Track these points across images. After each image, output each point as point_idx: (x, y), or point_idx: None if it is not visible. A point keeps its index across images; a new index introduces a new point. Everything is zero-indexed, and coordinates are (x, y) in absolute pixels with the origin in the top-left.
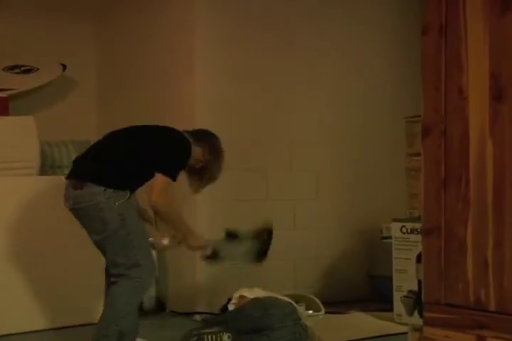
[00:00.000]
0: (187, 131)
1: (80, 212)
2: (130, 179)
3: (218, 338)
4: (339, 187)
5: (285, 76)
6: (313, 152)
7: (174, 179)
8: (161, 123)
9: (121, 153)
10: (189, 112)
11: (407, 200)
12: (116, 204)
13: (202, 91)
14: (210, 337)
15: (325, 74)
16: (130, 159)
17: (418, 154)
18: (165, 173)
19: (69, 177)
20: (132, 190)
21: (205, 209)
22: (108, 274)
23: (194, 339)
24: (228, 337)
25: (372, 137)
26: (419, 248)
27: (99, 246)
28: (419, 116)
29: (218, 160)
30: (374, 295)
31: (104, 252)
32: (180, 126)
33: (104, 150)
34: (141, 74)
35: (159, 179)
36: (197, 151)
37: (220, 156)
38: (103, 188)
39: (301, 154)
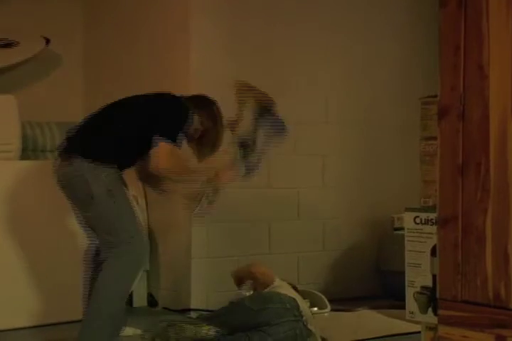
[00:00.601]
0: (183, 97)
1: (68, 188)
2: (121, 151)
3: (192, 331)
4: (347, 173)
5: (289, 52)
6: (319, 134)
7: (175, 140)
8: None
9: (111, 122)
10: (183, 90)
11: (421, 188)
12: (103, 175)
13: (197, 68)
14: (179, 327)
15: (331, 50)
16: (120, 128)
17: (434, 138)
18: (163, 135)
19: (58, 152)
20: (122, 166)
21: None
22: (93, 260)
23: (160, 329)
24: (208, 330)
25: (383, 119)
26: (434, 240)
27: (89, 224)
28: (435, 96)
29: (217, 126)
30: (384, 291)
31: (94, 230)
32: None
33: (93, 121)
34: (131, 49)
35: (161, 145)
36: (195, 120)
37: (219, 122)
38: (90, 160)
39: (305, 137)
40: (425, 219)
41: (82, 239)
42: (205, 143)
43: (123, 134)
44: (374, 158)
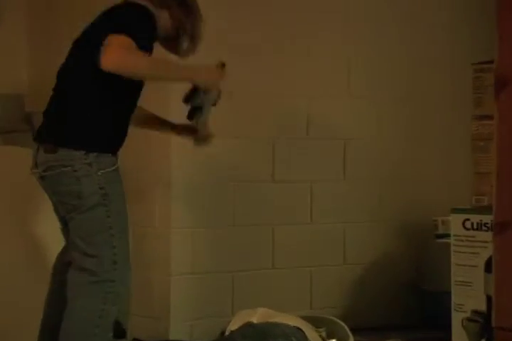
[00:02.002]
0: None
1: (50, 181)
2: (113, 127)
3: None
4: (375, 162)
5: (301, 3)
6: (339, 112)
7: (135, 39)
8: None
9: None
10: None
11: (473, 182)
12: (99, 173)
13: None
14: None
15: (358, 3)
16: (85, 95)
17: (489, 116)
18: (120, 31)
19: (38, 137)
20: (116, 148)
21: (185, 196)
22: (59, 272)
23: None
24: None
25: (422, 92)
26: (490, 251)
27: (68, 228)
28: (491, 62)
29: (192, 13)
30: (423, 317)
31: (69, 243)
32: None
33: (65, 91)
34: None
35: (109, 38)
36: (163, 16)
37: (193, 7)
38: (83, 152)
39: (321, 115)
40: (478, 224)
41: (50, 252)
42: (182, 40)
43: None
44: (410, 143)
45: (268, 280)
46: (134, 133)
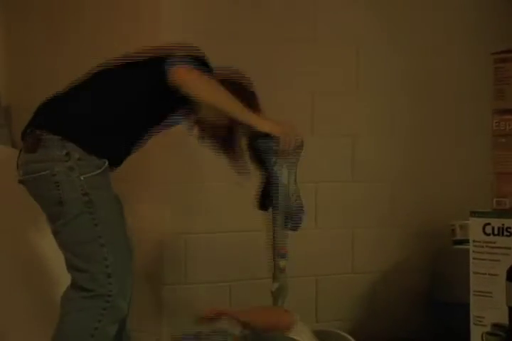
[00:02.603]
0: None
1: (30, 187)
2: (115, 134)
3: None
4: (387, 161)
5: None
6: (347, 107)
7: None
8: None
9: (101, 89)
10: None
11: (493, 183)
12: (82, 178)
13: (174, 11)
14: None
15: None
16: (115, 98)
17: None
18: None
19: (24, 132)
20: (113, 160)
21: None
22: None
23: None
24: None
25: (437, 84)
26: None
27: (58, 242)
28: None
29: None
30: (439, 331)
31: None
32: None
33: (75, 89)
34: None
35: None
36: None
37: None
38: (65, 151)
39: (327, 110)
40: (499, 228)
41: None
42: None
43: (114, 112)
44: (426, 139)
45: (269, 291)
46: None
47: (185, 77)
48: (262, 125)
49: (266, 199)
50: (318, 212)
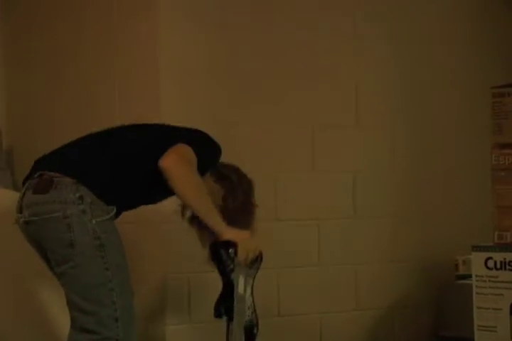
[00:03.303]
0: None
1: (38, 228)
2: (126, 187)
3: None
4: (388, 196)
5: (301, 22)
6: (348, 142)
7: (199, 157)
8: (109, 105)
9: (120, 144)
10: (151, 83)
11: (495, 217)
12: (94, 222)
13: (169, 51)
14: None
15: (366, 19)
16: (132, 153)
17: (511, 144)
18: (189, 144)
19: (29, 177)
20: (121, 209)
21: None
22: None
23: None
24: None
25: (438, 119)
26: None
27: (63, 283)
28: None
29: (250, 209)
30: None
31: (66, 295)
32: (142, 106)
33: (92, 141)
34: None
35: (178, 145)
36: (215, 189)
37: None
38: (79, 194)
39: (328, 146)
40: (501, 262)
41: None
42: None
43: (127, 168)
44: (426, 174)
45: (273, 330)
46: None
47: (170, 165)
48: (223, 232)
49: (221, 306)
50: (320, 248)
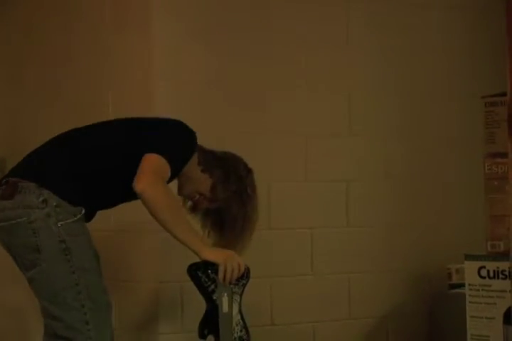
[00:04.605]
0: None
1: (5, 234)
2: (92, 187)
3: None
4: (381, 206)
5: (293, 34)
6: (341, 151)
7: (170, 161)
8: (103, 115)
9: (84, 145)
10: (144, 91)
11: (487, 226)
12: (59, 225)
13: (162, 53)
14: None
15: (357, 29)
16: (97, 153)
17: (503, 154)
18: (158, 151)
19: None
20: (90, 210)
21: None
22: None
23: None
24: None
25: (431, 128)
26: (509, 301)
27: (32, 288)
28: (504, 94)
29: (245, 199)
30: None
31: (38, 301)
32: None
33: (53, 144)
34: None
35: (148, 158)
36: (202, 178)
37: (250, 198)
38: (42, 198)
39: (320, 155)
40: (494, 271)
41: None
42: (224, 223)
43: (92, 168)
44: (419, 183)
45: (266, 339)
46: None
47: (144, 189)
48: (203, 253)
49: (205, 327)
50: (313, 258)
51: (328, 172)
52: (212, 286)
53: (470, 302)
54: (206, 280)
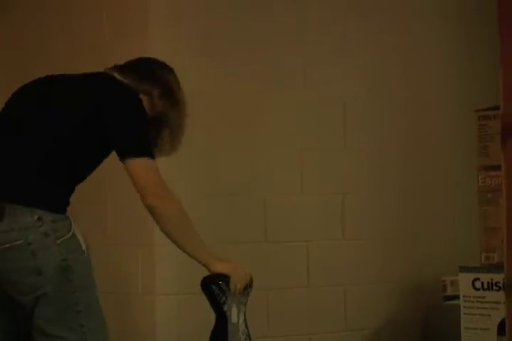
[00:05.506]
0: (116, 69)
1: None
2: (67, 182)
3: None
4: (376, 218)
5: (291, 48)
6: (336, 165)
7: (153, 155)
8: None
9: (44, 142)
10: None
11: (482, 238)
12: (58, 242)
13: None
14: None
15: (352, 45)
16: (65, 153)
17: (496, 167)
18: (136, 153)
19: None
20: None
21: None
22: None
23: None
24: None
25: (424, 142)
26: (502, 312)
27: (27, 311)
28: (497, 108)
29: (175, 104)
30: None
31: (30, 320)
32: None
33: (20, 146)
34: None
35: (136, 164)
36: (144, 103)
37: (178, 99)
38: (37, 216)
39: (317, 169)
40: (488, 283)
41: None
42: (163, 132)
43: (66, 168)
44: (413, 196)
45: None
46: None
47: (158, 205)
48: (213, 265)
49: (215, 338)
50: (310, 270)
51: (324, 186)
52: (224, 298)
53: (464, 313)
54: (218, 292)
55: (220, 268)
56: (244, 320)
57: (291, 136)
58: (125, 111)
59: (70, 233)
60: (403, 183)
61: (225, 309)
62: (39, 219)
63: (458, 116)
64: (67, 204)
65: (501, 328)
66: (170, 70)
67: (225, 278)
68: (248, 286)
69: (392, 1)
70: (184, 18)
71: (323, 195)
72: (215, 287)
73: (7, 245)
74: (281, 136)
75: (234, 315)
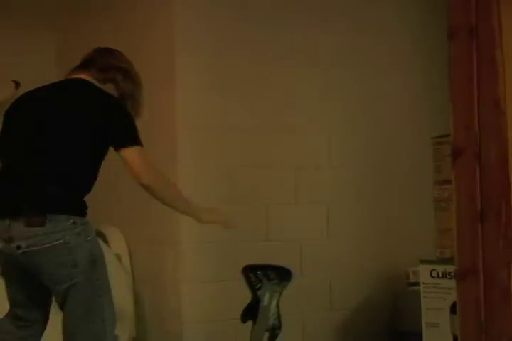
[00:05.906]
0: (80, 69)
1: (34, 257)
2: (88, 191)
3: None
4: (355, 222)
5: (286, 88)
6: (323, 180)
7: (141, 143)
8: None
9: (60, 156)
10: (169, 134)
11: (437, 238)
12: (87, 240)
13: (184, 108)
14: None
15: (334, 87)
16: (74, 157)
17: (448, 181)
18: (132, 143)
19: (8, 210)
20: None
21: (194, 253)
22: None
23: None
24: None
25: (392, 162)
26: (454, 296)
27: (61, 297)
28: (448, 135)
29: (136, 84)
30: None
31: (63, 303)
32: (159, 151)
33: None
34: None
35: (132, 152)
36: (110, 90)
37: (135, 79)
38: (72, 221)
39: (307, 183)
40: (443, 273)
41: None
42: (128, 107)
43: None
44: (384, 205)
45: None
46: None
47: (150, 182)
48: (202, 218)
49: (247, 314)
50: (302, 263)
51: (313, 197)
52: (259, 285)
53: (424, 297)
54: (254, 279)
55: (206, 218)
56: (277, 305)
57: (287, 158)
58: (118, 112)
59: (94, 232)
60: (376, 195)
61: (259, 293)
62: (73, 223)
63: (416, 143)
64: (87, 207)
65: (453, 308)
66: (116, 52)
67: (262, 269)
68: (286, 279)
69: (352, 58)
70: (205, 62)
71: (312, 204)
72: (252, 275)
73: (50, 244)
74: (279, 158)
75: (266, 299)
